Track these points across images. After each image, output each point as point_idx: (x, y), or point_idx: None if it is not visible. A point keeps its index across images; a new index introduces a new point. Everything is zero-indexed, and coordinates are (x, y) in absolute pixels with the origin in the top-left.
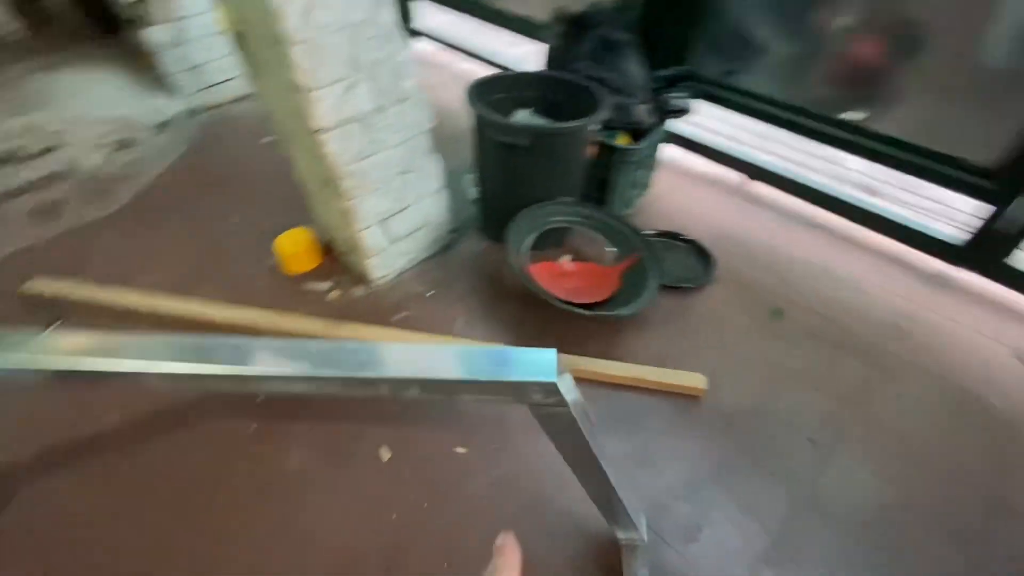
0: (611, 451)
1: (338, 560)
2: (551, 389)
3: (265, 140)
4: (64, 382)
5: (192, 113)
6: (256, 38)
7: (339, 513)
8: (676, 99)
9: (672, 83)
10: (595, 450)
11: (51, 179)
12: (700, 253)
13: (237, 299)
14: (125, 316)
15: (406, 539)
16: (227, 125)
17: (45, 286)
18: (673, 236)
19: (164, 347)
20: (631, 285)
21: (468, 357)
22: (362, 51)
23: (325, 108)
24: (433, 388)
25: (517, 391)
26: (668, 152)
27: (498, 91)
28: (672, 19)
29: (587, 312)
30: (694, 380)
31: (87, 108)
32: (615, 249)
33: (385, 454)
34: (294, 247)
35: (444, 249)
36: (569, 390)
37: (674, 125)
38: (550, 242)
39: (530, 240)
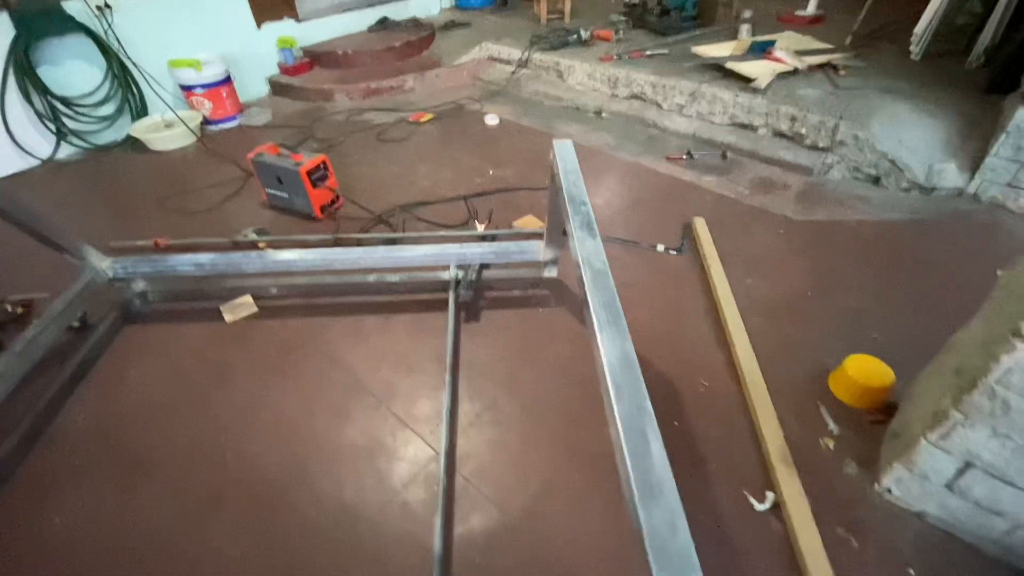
0: None
1: None
2: None
3: (1000, 272)
4: None
5: (962, 200)
6: None
7: None
8: None
9: None
10: None
11: (791, 168)
12: None
13: (775, 378)
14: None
15: None
16: (974, 228)
17: (700, 226)
18: None
19: None
20: None
21: None
22: None
23: None
24: None
25: None
26: None
27: None
28: None
29: None
30: None
31: (892, 140)
32: None
33: None
34: (859, 375)
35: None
36: None
37: None
38: None
39: None
